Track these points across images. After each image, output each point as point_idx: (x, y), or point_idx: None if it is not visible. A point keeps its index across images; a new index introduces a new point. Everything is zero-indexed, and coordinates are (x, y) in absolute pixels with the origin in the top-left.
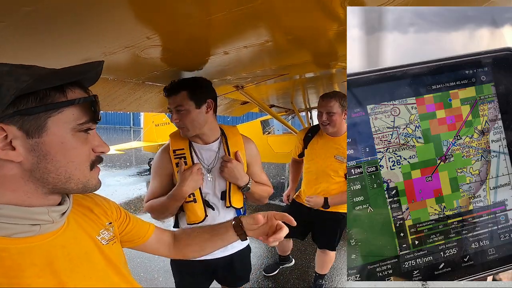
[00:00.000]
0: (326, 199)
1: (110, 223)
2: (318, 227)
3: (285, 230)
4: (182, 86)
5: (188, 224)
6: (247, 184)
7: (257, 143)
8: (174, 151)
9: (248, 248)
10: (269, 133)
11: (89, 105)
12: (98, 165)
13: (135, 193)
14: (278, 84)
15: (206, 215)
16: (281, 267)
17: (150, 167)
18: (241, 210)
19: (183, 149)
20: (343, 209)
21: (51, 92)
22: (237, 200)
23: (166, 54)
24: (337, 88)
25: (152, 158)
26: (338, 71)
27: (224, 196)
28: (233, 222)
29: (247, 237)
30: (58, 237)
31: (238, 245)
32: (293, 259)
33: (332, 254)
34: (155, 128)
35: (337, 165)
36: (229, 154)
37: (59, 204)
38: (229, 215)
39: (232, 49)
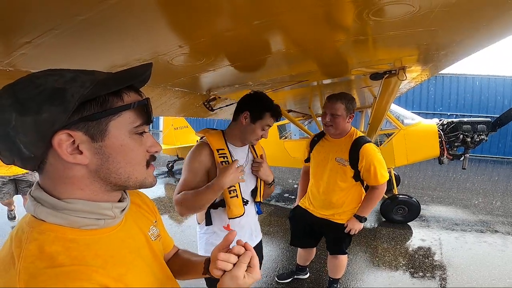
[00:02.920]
0: (357, 216)
1: (156, 221)
2: (326, 233)
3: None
4: None
5: (229, 218)
6: (273, 179)
7: (273, 148)
8: (217, 150)
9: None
10: (285, 138)
11: (142, 108)
12: (152, 163)
13: (154, 194)
14: (296, 89)
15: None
16: (295, 276)
17: (169, 169)
18: (259, 204)
19: (223, 149)
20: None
21: (110, 97)
22: (261, 196)
23: (194, 62)
24: (355, 94)
25: (171, 161)
26: (357, 77)
27: (253, 193)
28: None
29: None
30: (118, 232)
31: (256, 239)
32: (308, 272)
33: (344, 258)
34: (174, 131)
35: (340, 168)
36: (257, 156)
37: (119, 201)
38: (252, 209)
39: (256, 58)
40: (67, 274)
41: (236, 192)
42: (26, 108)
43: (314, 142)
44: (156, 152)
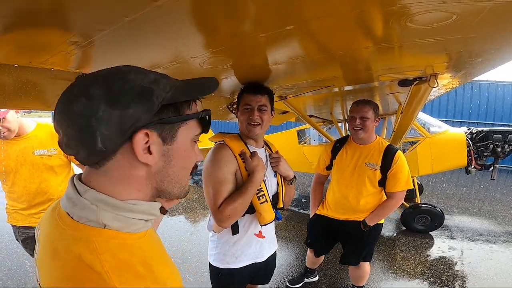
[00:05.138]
0: (364, 223)
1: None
2: (347, 237)
3: None
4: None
5: (262, 225)
6: (294, 175)
7: (292, 153)
8: (239, 155)
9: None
10: (304, 143)
11: (203, 117)
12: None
13: None
14: (318, 95)
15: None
16: (305, 280)
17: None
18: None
19: (243, 149)
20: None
21: (183, 104)
22: (283, 201)
23: (224, 65)
24: (377, 100)
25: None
26: (382, 84)
27: (274, 199)
28: None
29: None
30: (150, 233)
31: (274, 247)
32: (317, 275)
33: (366, 265)
34: None
35: (370, 173)
36: (272, 152)
37: None
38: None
39: (283, 62)
40: (151, 282)
41: (265, 197)
42: (116, 101)
43: (336, 148)
44: (199, 161)
